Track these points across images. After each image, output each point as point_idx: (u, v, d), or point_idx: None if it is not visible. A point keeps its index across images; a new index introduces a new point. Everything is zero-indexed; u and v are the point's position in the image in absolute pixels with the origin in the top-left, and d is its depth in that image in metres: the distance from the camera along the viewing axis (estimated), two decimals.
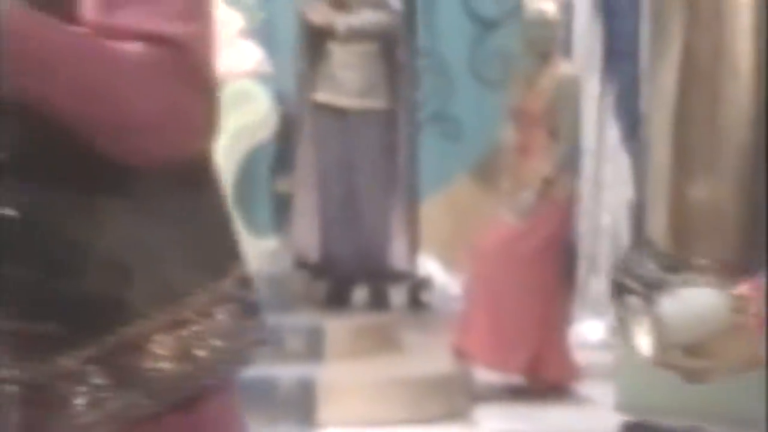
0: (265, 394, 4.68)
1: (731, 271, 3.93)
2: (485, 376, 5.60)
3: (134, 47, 1.23)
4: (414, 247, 5.89)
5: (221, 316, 1.33)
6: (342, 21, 5.43)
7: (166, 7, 1.26)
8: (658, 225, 3.88)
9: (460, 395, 5.36)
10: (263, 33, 5.84)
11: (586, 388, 5.49)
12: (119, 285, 1.29)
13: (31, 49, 1.19)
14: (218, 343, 1.34)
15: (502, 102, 5.74)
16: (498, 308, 5.46)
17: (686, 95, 4.02)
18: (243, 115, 5.64)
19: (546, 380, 5.48)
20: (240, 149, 5.72)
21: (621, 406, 3.74)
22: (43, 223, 1.26)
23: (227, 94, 5.18)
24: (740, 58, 4.09)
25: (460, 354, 5.55)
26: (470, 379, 5.53)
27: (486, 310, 5.46)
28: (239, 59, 5.57)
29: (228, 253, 1.39)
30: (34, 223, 1.25)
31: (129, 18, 1.25)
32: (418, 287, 6.16)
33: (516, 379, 5.48)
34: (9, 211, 1.24)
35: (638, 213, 5.87)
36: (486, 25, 6.73)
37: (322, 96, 5.57)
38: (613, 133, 6.78)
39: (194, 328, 1.32)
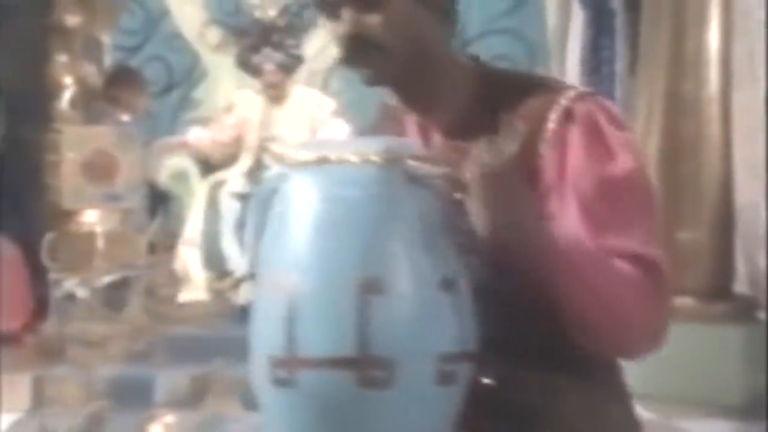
0: None
1: (707, 294, 5.01)
2: None
3: (624, 265, 1.38)
4: None
5: None
6: None
7: (641, 231, 1.40)
8: None
9: None
10: (346, 112, 6.64)
11: None
12: None
13: (570, 257, 1.36)
14: None
15: None
16: None
17: (673, 166, 5.06)
18: None
19: None
20: None
21: None
22: (511, 392, 1.38)
23: None
24: (713, 139, 5.14)
25: None
26: None
27: None
28: (333, 134, 6.42)
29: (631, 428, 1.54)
30: (503, 391, 1.37)
31: (617, 240, 1.39)
32: None
33: None
34: (487, 380, 1.34)
35: None
36: None
37: None
38: None
39: None
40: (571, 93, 1.47)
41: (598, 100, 1.49)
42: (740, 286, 4.98)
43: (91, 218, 6.33)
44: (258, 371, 1.30)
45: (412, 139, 1.54)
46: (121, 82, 6.52)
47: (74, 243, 6.12)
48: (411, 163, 1.32)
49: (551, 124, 1.45)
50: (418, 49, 1.50)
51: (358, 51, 1.49)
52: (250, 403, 4.72)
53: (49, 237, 6.05)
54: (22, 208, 6.96)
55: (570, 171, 1.44)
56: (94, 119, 6.47)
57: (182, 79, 8.06)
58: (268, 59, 6.73)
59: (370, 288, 1.25)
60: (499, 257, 1.35)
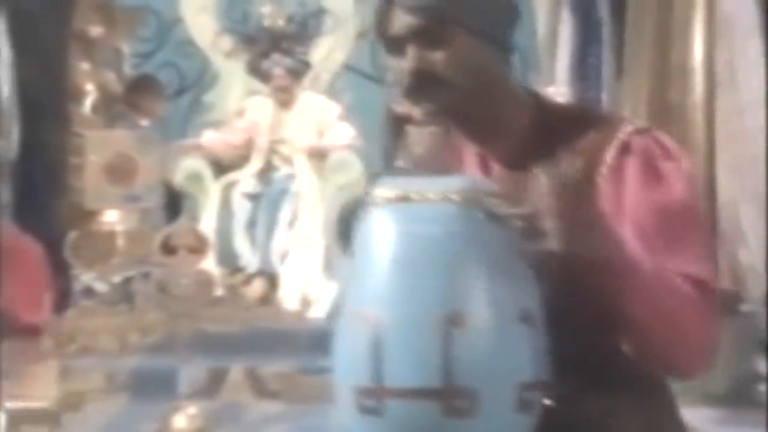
0: None
1: None
2: None
3: (684, 285, 1.42)
4: None
5: None
6: (417, 110, 6.60)
7: (694, 253, 1.45)
8: None
9: None
10: (350, 116, 6.99)
11: None
12: None
13: (638, 277, 1.40)
14: None
15: None
16: None
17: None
18: (343, 177, 6.76)
19: None
20: (340, 200, 6.68)
21: None
22: (572, 411, 1.41)
23: (332, 161, 6.75)
24: (698, 142, 5.39)
25: None
26: None
27: None
28: (339, 137, 6.83)
29: None
30: (564, 411, 1.38)
31: (672, 262, 1.43)
32: None
33: None
34: (548, 401, 1.35)
35: None
36: None
37: (402, 164, 6.69)
38: None
39: None
40: (629, 128, 1.53)
41: (653, 135, 1.54)
42: (723, 280, 5.24)
43: (112, 218, 6.41)
44: (344, 399, 1.35)
45: (476, 174, 1.57)
46: (140, 89, 6.60)
47: (96, 241, 6.22)
48: (488, 200, 1.35)
49: (609, 156, 1.51)
50: (480, 84, 1.52)
51: (422, 86, 1.53)
52: (262, 393, 4.80)
53: (72, 235, 6.13)
54: (41, 207, 7.01)
55: (626, 200, 1.49)
56: (114, 124, 6.57)
57: (193, 84, 8.11)
58: (278, 64, 6.91)
59: (453, 322, 1.29)
60: (566, 280, 1.39)
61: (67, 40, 7.00)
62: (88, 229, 6.31)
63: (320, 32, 7.33)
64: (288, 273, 6.53)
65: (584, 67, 7.15)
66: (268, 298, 6.40)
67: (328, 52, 7.34)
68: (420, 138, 6.64)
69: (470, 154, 1.62)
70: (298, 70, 6.99)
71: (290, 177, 6.78)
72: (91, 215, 6.41)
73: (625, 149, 1.51)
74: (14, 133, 6.98)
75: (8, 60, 7.06)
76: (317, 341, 5.60)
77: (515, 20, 1.59)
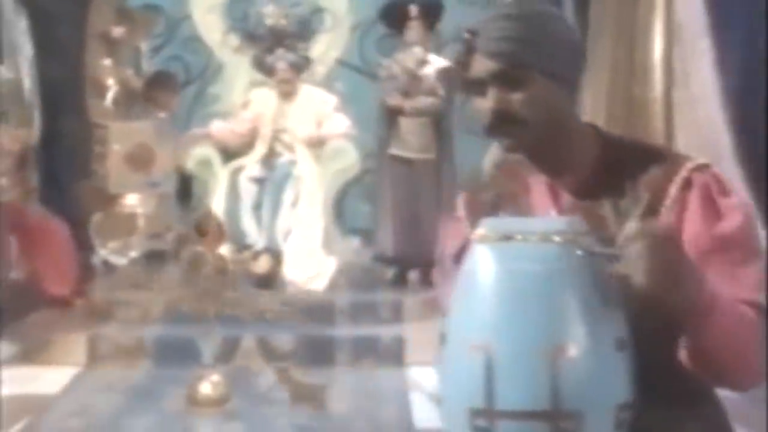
0: (373, 346, 5.91)
1: None
2: None
3: (746, 311, 1.50)
4: None
5: None
6: (408, 104, 6.98)
7: (751, 280, 1.53)
8: None
9: None
10: (346, 108, 7.24)
11: None
12: None
13: (715, 308, 1.46)
14: None
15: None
16: None
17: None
18: (339, 163, 7.05)
19: None
20: (337, 184, 7.12)
21: None
22: (643, 424, 1.45)
23: (329, 149, 7.04)
24: (659, 132, 5.85)
25: None
26: None
27: None
28: (335, 126, 7.08)
29: None
30: (636, 424, 1.43)
31: (731, 289, 1.50)
32: None
33: None
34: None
35: None
36: None
37: (395, 151, 7.03)
38: None
39: None
40: (690, 164, 1.61)
41: (711, 171, 1.62)
42: None
43: (133, 201, 6.79)
44: (456, 419, 1.43)
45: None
46: (157, 84, 6.98)
47: (118, 222, 6.60)
48: (584, 240, 1.43)
49: (673, 191, 1.59)
50: (553, 121, 1.59)
51: (502, 124, 1.59)
52: (270, 358, 5.11)
53: (96, 217, 6.56)
54: (63, 189, 7.20)
55: (688, 230, 1.57)
56: (134, 116, 6.90)
57: (197, 77, 8.36)
58: (281, 59, 7.11)
59: (558, 352, 1.37)
60: (648, 313, 1.45)
61: (83, 38, 7.30)
62: (111, 211, 6.66)
63: (319, 29, 7.57)
64: (291, 250, 6.72)
65: None
66: (273, 273, 6.56)
67: (326, 47, 7.61)
68: (410, 128, 6.96)
69: (538, 183, 1.68)
70: (300, 64, 7.18)
71: (292, 163, 6.97)
72: (113, 199, 6.76)
73: (687, 185, 1.59)
74: (36, 123, 7.24)
75: (30, 56, 7.34)
76: (318, 311, 5.56)
77: (581, 62, 1.67)
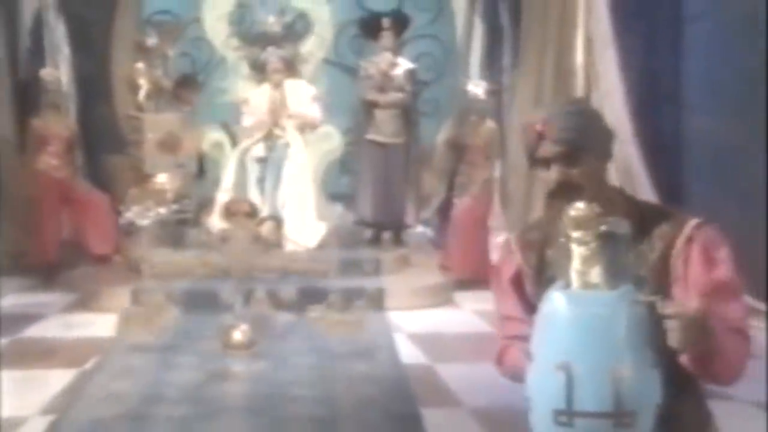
0: (360, 295, 6.22)
1: None
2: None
3: (739, 335, 1.84)
4: (417, 213, 8.55)
5: None
6: (382, 98, 8.06)
7: (739, 312, 1.88)
8: None
9: (447, 291, 7.39)
10: (325, 98, 8.14)
11: None
12: None
13: (723, 338, 1.81)
14: None
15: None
16: (466, 242, 7.65)
17: None
18: (325, 145, 8.05)
19: None
20: (324, 162, 8.10)
21: None
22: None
23: (318, 133, 7.97)
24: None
25: (445, 268, 7.75)
26: (452, 283, 7.49)
27: (459, 244, 7.70)
28: (312, 112, 7.86)
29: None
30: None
31: (726, 318, 1.84)
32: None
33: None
34: None
35: None
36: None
37: (371, 136, 8.09)
38: None
39: None
40: (692, 223, 1.92)
41: (709, 228, 1.93)
42: None
43: (163, 179, 7.58)
44: (543, 417, 1.76)
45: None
46: (183, 85, 7.86)
47: (150, 195, 7.27)
48: (630, 292, 1.78)
49: (679, 243, 1.90)
50: (599, 187, 1.91)
51: (563, 191, 1.88)
52: (279, 306, 6.11)
53: (132, 191, 7.39)
54: (99, 168, 8.34)
55: (691, 274, 1.90)
56: (162, 109, 7.62)
57: (201, 70, 9.25)
58: (273, 55, 7.80)
59: (618, 370, 1.70)
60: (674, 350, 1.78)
61: (111, 39, 8.21)
62: (145, 187, 7.41)
63: (306, 32, 8.28)
64: (289, 216, 7.45)
65: (491, 58, 8.47)
66: (277, 236, 7.07)
67: (312, 47, 8.31)
68: (384, 118, 8.26)
69: None
70: (289, 59, 7.88)
71: (287, 145, 7.64)
72: (147, 177, 7.54)
73: (690, 239, 1.91)
74: (72, 111, 8.35)
75: (68, 55, 8.45)
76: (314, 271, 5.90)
77: (613, 141, 2.00)
